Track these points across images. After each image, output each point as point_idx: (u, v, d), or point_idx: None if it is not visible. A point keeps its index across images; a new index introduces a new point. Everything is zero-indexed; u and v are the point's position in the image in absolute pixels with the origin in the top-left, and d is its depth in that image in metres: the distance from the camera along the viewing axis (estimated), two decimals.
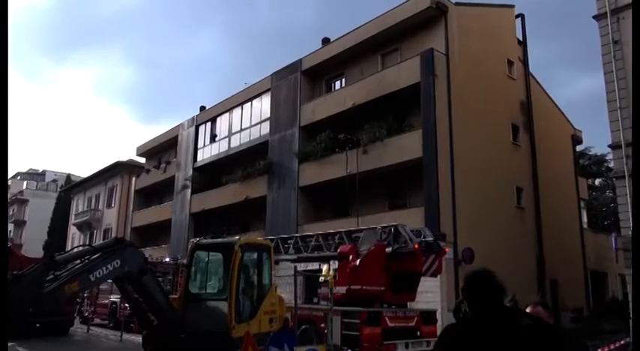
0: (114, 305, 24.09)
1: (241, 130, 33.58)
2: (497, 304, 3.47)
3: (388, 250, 14.50)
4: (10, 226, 69.48)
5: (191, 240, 14.59)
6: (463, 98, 23.47)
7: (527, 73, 28.22)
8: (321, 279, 18.30)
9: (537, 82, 29.73)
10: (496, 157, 24.57)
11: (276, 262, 15.88)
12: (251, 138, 32.51)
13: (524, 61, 28.30)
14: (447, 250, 16.05)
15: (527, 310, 4.70)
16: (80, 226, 52.73)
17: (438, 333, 13.70)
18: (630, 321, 14.27)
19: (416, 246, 14.20)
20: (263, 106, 32.14)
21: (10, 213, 71.13)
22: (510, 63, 27.44)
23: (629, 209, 16.27)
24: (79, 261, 10.81)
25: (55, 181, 79.28)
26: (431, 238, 15.04)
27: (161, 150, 44.23)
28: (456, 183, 21.94)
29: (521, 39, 28.48)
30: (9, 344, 10.47)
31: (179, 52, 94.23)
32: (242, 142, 33.17)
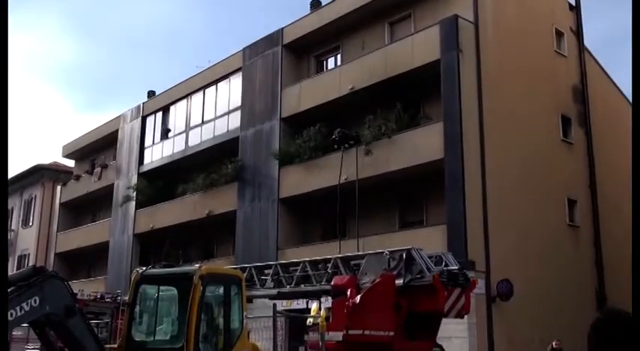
0: None
1: (203, 123, 33.55)
2: None
3: (399, 282, 14.45)
4: None
5: (135, 270, 14.44)
6: (497, 81, 23.58)
7: (581, 49, 28.43)
8: (310, 321, 18.17)
9: (595, 60, 29.92)
10: (541, 160, 24.69)
11: (250, 299, 15.74)
12: (216, 133, 32.49)
13: (578, 33, 28.51)
14: (476, 282, 16.00)
15: None
16: None
17: None
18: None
19: (435, 277, 14.15)
20: (232, 90, 32.15)
21: None
22: (559, 35, 27.64)
23: None
24: None
25: None
26: (455, 267, 14.99)
27: (95, 150, 44.07)
28: (487, 194, 22.01)
29: (573, 3, 28.71)
30: None
31: (132, 20, 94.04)
32: (204, 138, 33.16)
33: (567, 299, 23.29)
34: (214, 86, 33.36)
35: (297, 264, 17.83)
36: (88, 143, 44.25)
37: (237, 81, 31.87)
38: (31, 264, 40.97)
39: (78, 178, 44.25)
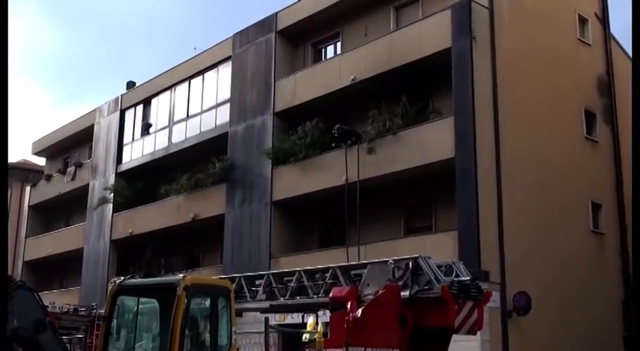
0: None
1: (188, 117, 33.53)
2: None
3: (404, 294, 14.44)
4: None
5: (113, 280, 14.45)
6: (514, 72, 23.60)
7: (607, 37, 28.44)
8: (305, 337, 18.17)
9: (623, 49, 29.93)
10: (562, 159, 24.70)
11: (239, 313, 15.72)
12: (202, 129, 32.48)
13: (604, 19, 28.52)
14: (490, 294, 15.96)
15: None
16: None
17: None
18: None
19: (445, 289, 14.15)
20: (220, 81, 32.14)
21: None
22: (583, 21, 27.67)
23: None
24: None
25: None
26: (467, 278, 14.95)
27: (69, 147, 44.06)
28: (503, 197, 22.03)
29: None
30: None
31: (113, 5, 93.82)
32: (189, 134, 33.14)
33: (591, 313, 23.30)
34: (201, 77, 33.32)
35: (291, 274, 17.79)
36: (60, 139, 44.19)
37: (226, 71, 31.84)
38: None
39: (49, 178, 44.20)
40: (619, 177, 27.04)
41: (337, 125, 24.52)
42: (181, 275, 13.52)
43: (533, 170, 23.45)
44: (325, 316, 15.76)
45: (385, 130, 24.09)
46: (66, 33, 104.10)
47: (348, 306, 14.44)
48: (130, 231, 35.01)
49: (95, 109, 40.68)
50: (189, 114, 33.47)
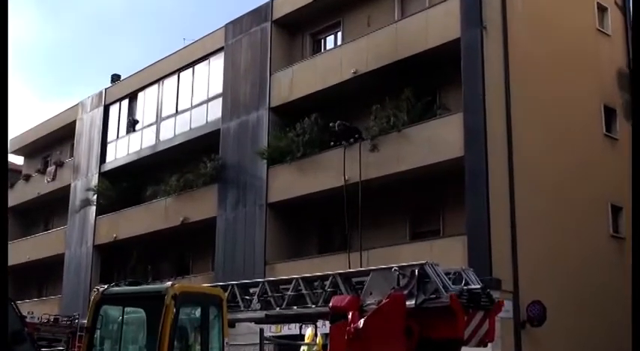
0: None
1: (177, 113, 33.55)
2: None
3: (410, 303, 14.44)
4: None
5: (96, 288, 14.43)
6: (528, 64, 23.59)
7: (628, 27, 28.42)
8: (303, 349, 18.17)
9: None
10: (579, 158, 24.68)
11: (232, 323, 15.70)
12: (192, 126, 32.50)
13: (625, 8, 28.51)
14: (502, 304, 15.98)
15: None
16: None
17: None
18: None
19: (453, 298, 14.14)
20: (212, 75, 32.16)
21: None
22: (602, 10, 27.67)
23: None
24: None
25: None
26: (477, 286, 14.96)
27: (49, 145, 44.06)
28: (516, 198, 22.02)
29: None
30: None
31: None
32: (178, 132, 33.17)
33: (611, 324, 23.26)
34: (190, 69, 33.35)
35: (288, 281, 17.78)
36: (39, 137, 44.21)
37: (218, 63, 31.86)
38: None
39: (28, 178, 44.19)
40: None
41: (338, 121, 24.54)
42: (170, 283, 13.52)
43: (549, 170, 23.42)
44: (325, 327, 15.76)
45: (389, 126, 24.09)
46: (47, 22, 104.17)
47: (349, 316, 14.43)
48: (114, 235, 35.00)
49: (77, 104, 40.68)
50: (179, 109, 33.47)
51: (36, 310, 31.23)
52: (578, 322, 22.50)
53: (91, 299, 14.06)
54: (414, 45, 24.14)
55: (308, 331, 18.22)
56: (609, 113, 26.93)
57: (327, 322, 15.34)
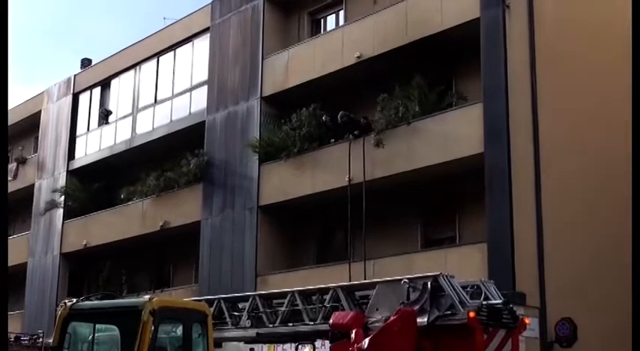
0: None
1: (156, 102, 33.59)
2: None
3: (422, 321, 14.46)
4: None
5: (63, 302, 14.44)
6: (556, 47, 23.57)
7: None
8: None
9: None
10: (618, 154, 24.57)
11: (218, 343, 15.72)
12: (173, 117, 32.54)
13: None
14: (527, 321, 16.02)
15: None
16: None
17: None
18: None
19: (471, 315, 14.16)
20: (196, 59, 32.21)
21: None
22: None
23: None
24: None
25: None
26: (499, 301, 15.00)
27: (9, 139, 43.86)
28: (543, 201, 21.99)
29: None
30: None
31: None
32: (157, 124, 33.21)
33: None
34: (172, 53, 33.40)
35: (283, 295, 17.80)
36: None
37: (203, 46, 31.89)
38: None
39: None
40: None
41: (341, 112, 24.54)
42: (147, 297, 13.53)
43: (581, 168, 23.37)
44: (324, 347, 15.78)
45: (398, 118, 24.05)
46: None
47: (352, 335, 14.45)
48: (84, 242, 35.03)
49: (42, 93, 40.68)
50: (158, 99, 33.53)
51: None
52: (612, 343, 22.47)
53: (58, 315, 14.08)
54: (426, 26, 24.11)
55: None
56: None
57: (327, 342, 15.36)
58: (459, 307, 14.32)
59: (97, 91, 37.20)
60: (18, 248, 39.22)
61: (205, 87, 31.28)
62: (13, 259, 38.97)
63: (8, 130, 42.77)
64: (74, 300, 13.92)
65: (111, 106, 36.20)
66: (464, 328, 14.22)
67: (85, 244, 34.93)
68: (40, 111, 40.20)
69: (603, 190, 24.02)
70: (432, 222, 25.27)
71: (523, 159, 21.99)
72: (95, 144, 36.47)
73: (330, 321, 15.26)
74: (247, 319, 17.76)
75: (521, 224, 21.48)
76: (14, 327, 33.01)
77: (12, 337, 26.19)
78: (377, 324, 14.60)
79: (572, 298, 21.83)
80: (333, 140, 25.93)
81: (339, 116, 24.53)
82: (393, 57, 24.96)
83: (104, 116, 36.34)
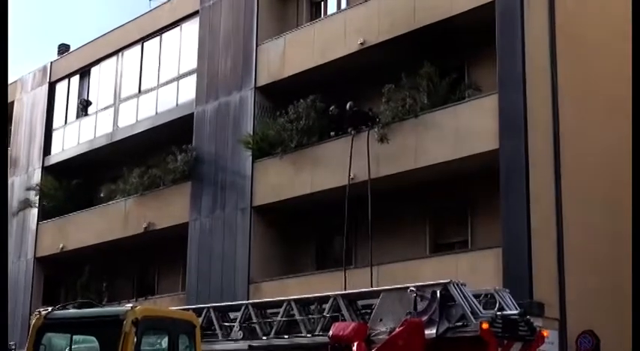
0: None
1: (140, 93, 33.61)
2: None
3: (430, 333, 14.46)
4: None
5: (37, 311, 14.43)
6: (579, 33, 23.63)
7: None
8: None
9: None
10: None
11: None
12: (159, 109, 32.57)
13: None
14: (545, 334, 16.03)
15: None
16: None
17: None
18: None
19: (484, 326, 14.16)
20: (184, 45, 32.22)
21: None
22: None
23: None
24: None
25: None
26: (514, 312, 15.02)
27: None
28: (564, 203, 22.02)
29: None
30: None
31: None
32: (141, 117, 33.23)
33: None
34: (157, 38, 33.43)
35: (278, 304, 17.81)
36: None
37: (191, 30, 31.89)
38: None
39: None
40: None
41: (349, 103, 24.56)
42: (129, 305, 13.52)
43: (606, 164, 23.36)
44: None
45: (405, 111, 24.05)
46: None
47: (354, 348, 14.44)
48: (60, 245, 35.03)
49: (15, 82, 40.58)
50: (142, 89, 33.56)
51: None
52: None
53: (32, 325, 14.07)
54: (436, 10, 24.11)
55: None
56: None
57: None
58: (471, 317, 14.33)
59: (75, 79, 37.20)
60: None
61: (194, 76, 31.30)
62: None
63: None
64: (49, 309, 13.89)
65: (91, 97, 36.22)
66: (476, 340, 14.25)
67: (62, 248, 34.91)
68: (13, 102, 40.09)
69: (628, 191, 24.00)
70: (441, 224, 25.33)
71: (542, 156, 22.01)
72: (73, 138, 36.50)
73: (330, 333, 15.27)
74: (239, 330, 17.77)
75: (540, 227, 21.49)
76: None
77: None
78: (381, 336, 14.61)
79: (595, 309, 21.85)
80: (333, 133, 25.85)
81: (347, 106, 24.51)
82: (400, 44, 24.97)
83: (83, 107, 36.34)
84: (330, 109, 25.26)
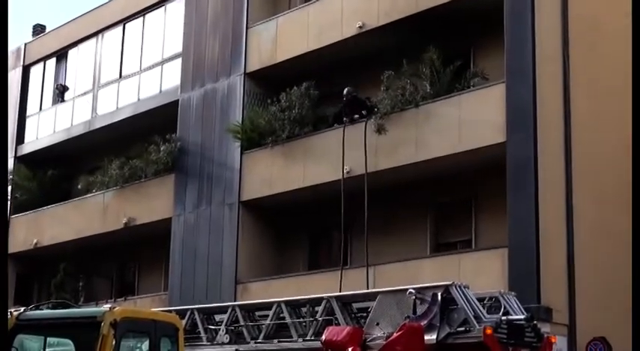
0: None
1: (121, 78, 33.62)
2: None
3: (430, 338, 14.50)
4: None
5: (9, 311, 14.41)
6: (593, 16, 23.68)
7: None
8: None
9: None
10: None
11: None
12: (141, 96, 32.59)
13: None
14: (553, 340, 16.08)
15: None
16: None
17: None
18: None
19: (488, 332, 14.20)
20: (168, 27, 32.21)
21: None
22: None
23: None
24: None
25: None
26: (521, 317, 15.07)
27: None
28: (574, 200, 22.06)
29: None
30: None
31: None
32: (122, 104, 33.26)
33: None
34: (140, 19, 33.40)
35: (267, 306, 17.84)
36: None
37: (177, 10, 31.88)
38: None
39: None
40: None
41: (347, 89, 24.54)
42: (108, 306, 13.53)
43: (623, 161, 23.26)
44: None
45: (405, 100, 24.06)
46: None
47: None
48: (34, 241, 35.01)
49: None
50: (123, 74, 33.58)
51: None
52: None
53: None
54: None
55: None
56: None
57: None
58: (474, 322, 14.38)
59: (51, 63, 37.23)
60: None
61: (179, 60, 31.29)
62: None
63: None
64: (22, 309, 13.89)
65: (68, 82, 36.25)
66: (479, 347, 14.28)
67: (36, 244, 34.90)
68: None
69: None
70: (443, 222, 25.35)
71: (552, 150, 22.04)
72: (49, 126, 36.52)
73: (323, 337, 15.30)
74: (225, 333, 17.81)
75: (549, 226, 21.54)
76: None
77: None
78: (377, 341, 14.64)
79: (606, 314, 21.89)
80: (331, 122, 25.88)
81: (345, 92, 24.47)
82: (402, 28, 24.98)
83: (60, 93, 36.32)
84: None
